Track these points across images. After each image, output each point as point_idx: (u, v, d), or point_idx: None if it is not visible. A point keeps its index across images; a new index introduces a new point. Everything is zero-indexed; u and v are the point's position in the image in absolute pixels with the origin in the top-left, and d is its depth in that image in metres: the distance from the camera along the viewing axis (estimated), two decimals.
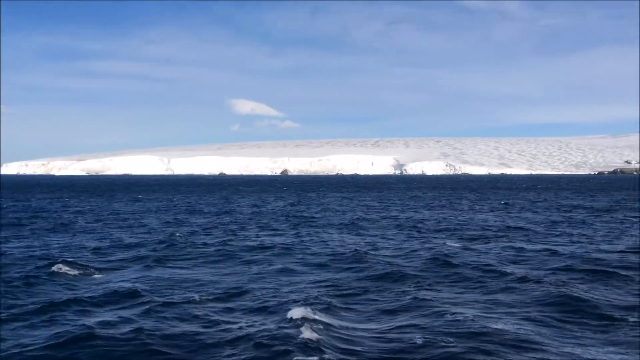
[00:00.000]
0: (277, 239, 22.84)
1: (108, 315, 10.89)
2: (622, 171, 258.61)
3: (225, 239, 22.66)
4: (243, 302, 12.08)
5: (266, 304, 11.65)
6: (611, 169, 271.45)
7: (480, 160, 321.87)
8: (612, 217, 33.45)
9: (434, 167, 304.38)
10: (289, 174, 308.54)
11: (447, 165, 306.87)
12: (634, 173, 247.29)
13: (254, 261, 17.42)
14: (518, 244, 20.93)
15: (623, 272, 15.02)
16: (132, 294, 12.57)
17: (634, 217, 33.19)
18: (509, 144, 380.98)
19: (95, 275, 15.10)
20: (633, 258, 17.52)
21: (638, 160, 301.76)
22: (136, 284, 13.58)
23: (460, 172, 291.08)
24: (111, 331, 9.82)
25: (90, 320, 10.47)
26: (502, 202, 50.51)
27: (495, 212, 37.89)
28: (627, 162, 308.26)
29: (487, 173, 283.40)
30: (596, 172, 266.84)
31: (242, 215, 35.85)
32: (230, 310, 11.45)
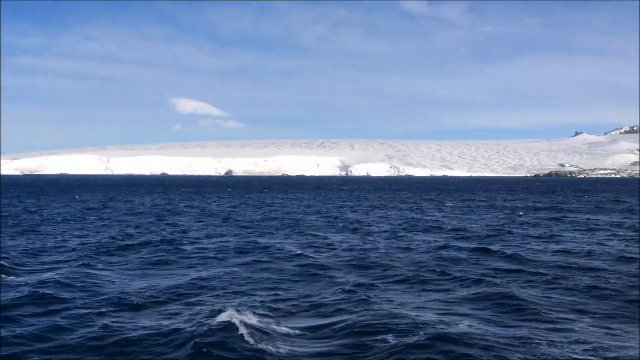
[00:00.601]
0: (220, 242, 22.37)
1: (41, 324, 10.27)
2: (556, 174, 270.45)
3: (166, 240, 21.99)
4: (183, 305, 11.68)
5: (208, 307, 11.29)
6: (546, 172, 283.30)
7: (423, 162, 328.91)
8: (550, 217, 34.73)
9: (379, 169, 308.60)
10: (234, 174, 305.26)
11: (391, 167, 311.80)
12: (568, 175, 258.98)
13: (195, 264, 16.96)
14: (461, 244, 21.32)
15: (557, 272, 15.55)
16: (64, 300, 11.94)
17: (571, 217, 34.61)
18: (450, 146, 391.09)
19: (28, 279, 14.24)
20: (569, 259, 18.19)
21: (572, 164, 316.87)
22: (68, 289, 12.91)
23: (404, 174, 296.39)
24: (45, 344, 9.26)
25: (17, 330, 9.85)
26: (447, 203, 51.64)
27: (441, 213, 38.63)
28: (561, 165, 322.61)
29: (429, 175, 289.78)
30: (532, 175, 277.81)
31: (184, 218, 35.02)
32: (171, 314, 11.04)
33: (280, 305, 11.77)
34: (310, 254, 18.41)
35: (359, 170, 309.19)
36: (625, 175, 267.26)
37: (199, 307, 11.46)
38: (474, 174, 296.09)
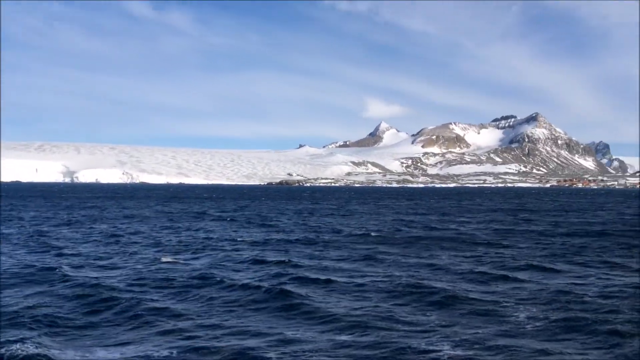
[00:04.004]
0: None
1: None
2: (286, 182, 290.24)
3: None
4: None
5: None
6: (277, 180, 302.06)
7: (159, 169, 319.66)
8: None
9: (110, 175, 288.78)
10: None
11: (123, 173, 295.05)
12: (296, 184, 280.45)
13: None
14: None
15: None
16: None
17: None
18: (186, 154, 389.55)
19: None
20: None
21: (298, 173, 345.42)
22: None
23: (138, 181, 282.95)
24: None
25: None
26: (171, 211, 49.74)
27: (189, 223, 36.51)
28: (289, 174, 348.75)
29: (165, 182, 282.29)
30: (266, 183, 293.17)
31: None
32: None
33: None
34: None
35: (87, 176, 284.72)
36: (343, 184, 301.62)
37: None
38: (211, 182, 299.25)
